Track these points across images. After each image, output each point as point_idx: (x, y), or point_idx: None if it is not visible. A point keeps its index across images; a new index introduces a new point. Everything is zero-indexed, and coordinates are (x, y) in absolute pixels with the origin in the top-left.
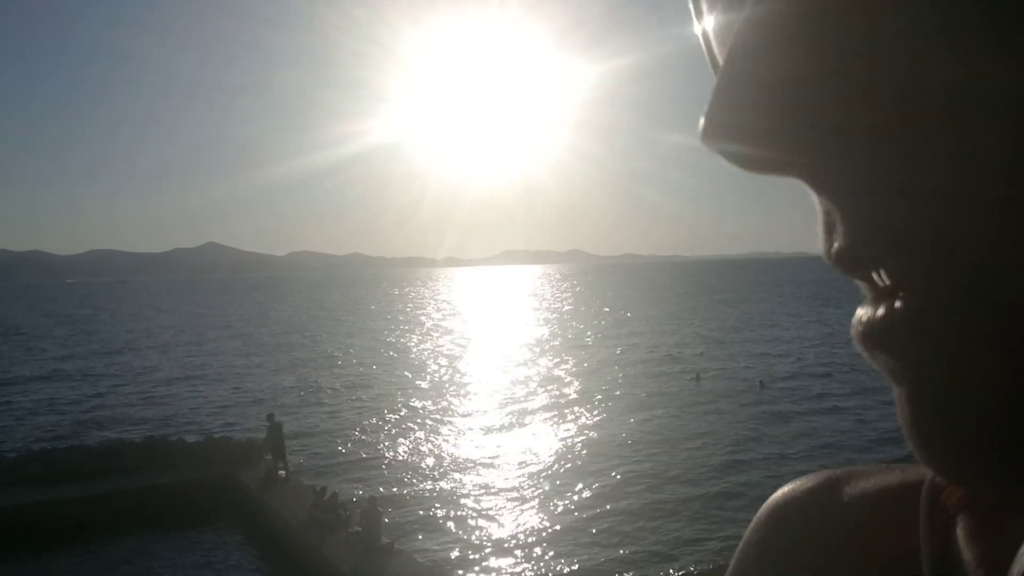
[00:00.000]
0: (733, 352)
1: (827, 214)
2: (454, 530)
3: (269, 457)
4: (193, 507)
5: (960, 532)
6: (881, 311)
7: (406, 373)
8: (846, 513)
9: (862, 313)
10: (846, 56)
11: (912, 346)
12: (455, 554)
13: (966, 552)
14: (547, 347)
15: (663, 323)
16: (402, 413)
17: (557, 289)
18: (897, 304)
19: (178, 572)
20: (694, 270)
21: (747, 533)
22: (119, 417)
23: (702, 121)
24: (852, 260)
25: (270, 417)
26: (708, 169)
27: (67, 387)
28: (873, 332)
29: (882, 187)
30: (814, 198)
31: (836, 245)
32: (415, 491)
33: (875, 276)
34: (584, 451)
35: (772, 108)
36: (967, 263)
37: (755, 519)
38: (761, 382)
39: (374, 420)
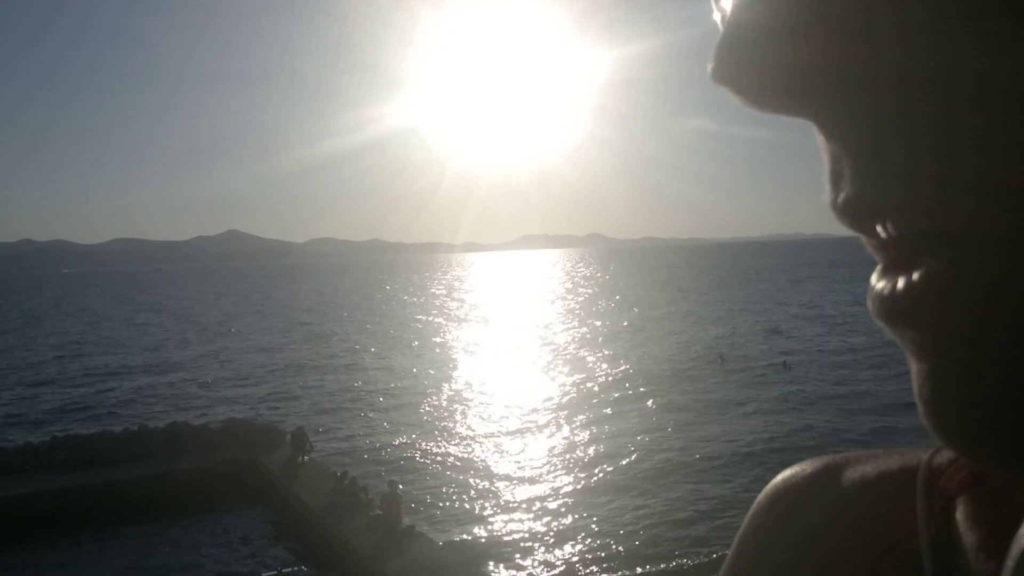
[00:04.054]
0: (757, 332)
1: (835, 160)
2: (475, 514)
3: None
4: (216, 491)
5: (960, 515)
6: (903, 283)
7: (429, 359)
8: (845, 498)
9: (882, 285)
10: (872, 3)
11: (940, 322)
12: (475, 537)
13: (966, 535)
14: (569, 330)
15: (688, 304)
16: (424, 398)
17: (576, 273)
18: (922, 275)
19: (201, 555)
20: (714, 253)
21: (746, 519)
22: (144, 402)
23: (713, 53)
24: (860, 211)
25: (299, 429)
26: (727, 151)
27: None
28: (896, 307)
29: (900, 137)
30: (821, 143)
31: (843, 194)
32: (435, 475)
33: (880, 229)
34: (605, 434)
35: (787, 44)
36: (1003, 232)
37: (754, 505)
38: (784, 362)
39: (395, 404)
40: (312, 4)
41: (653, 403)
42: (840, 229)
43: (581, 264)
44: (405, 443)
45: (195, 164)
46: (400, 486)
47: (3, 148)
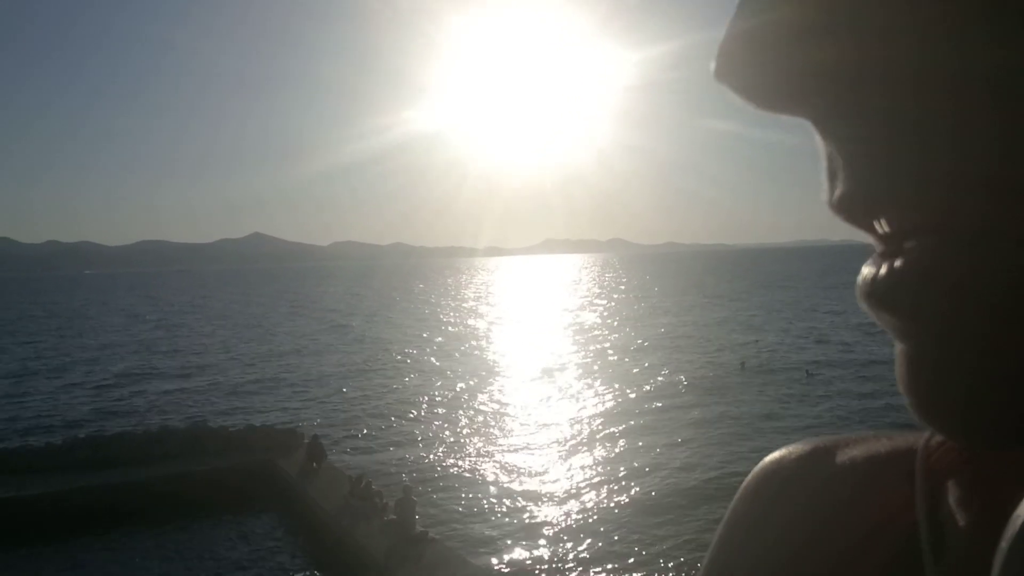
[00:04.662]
0: (781, 339)
1: (830, 159)
2: (490, 521)
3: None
4: (233, 493)
5: (950, 498)
6: (885, 269)
7: (458, 366)
8: (834, 480)
9: (868, 271)
10: (868, 6)
11: (916, 305)
12: (490, 545)
13: (957, 518)
14: (599, 338)
15: (712, 310)
16: (442, 405)
17: (603, 279)
18: (902, 262)
19: (216, 556)
20: (738, 258)
21: (734, 502)
22: (161, 404)
23: (716, 54)
24: (854, 207)
25: (314, 438)
26: (750, 154)
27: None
28: (877, 291)
29: (892, 136)
30: (818, 141)
31: (838, 192)
32: (451, 482)
33: (877, 225)
34: (623, 441)
35: (788, 45)
36: (978, 223)
37: (742, 487)
38: (808, 371)
39: (413, 411)
40: (336, 11)
41: (683, 416)
42: (866, 236)
43: (607, 270)
44: (425, 450)
45: (220, 167)
46: (415, 492)
47: (30, 149)
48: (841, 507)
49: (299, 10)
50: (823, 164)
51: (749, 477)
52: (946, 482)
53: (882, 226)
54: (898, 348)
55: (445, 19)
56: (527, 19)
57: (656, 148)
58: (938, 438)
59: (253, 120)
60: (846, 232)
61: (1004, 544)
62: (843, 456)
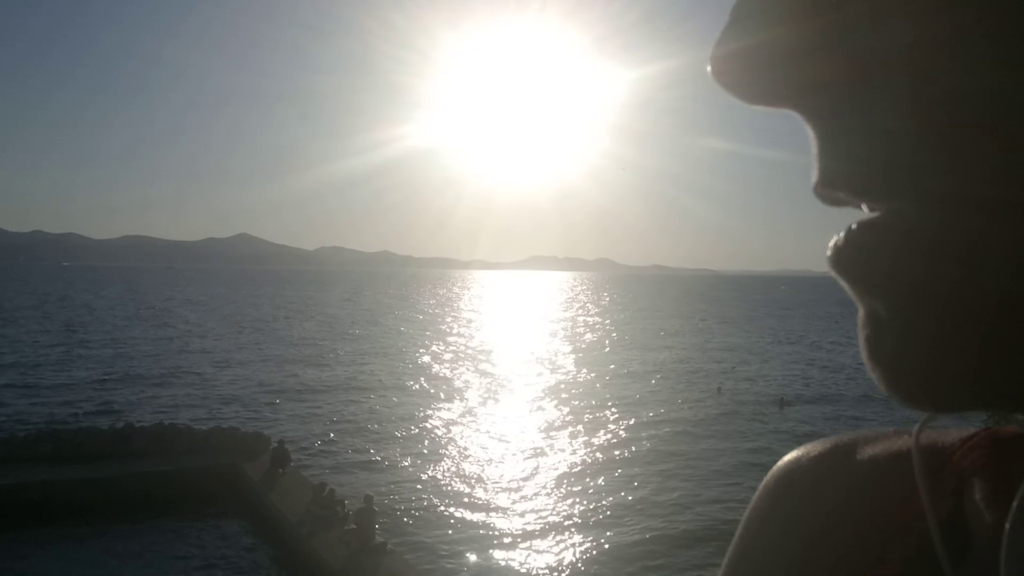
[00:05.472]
0: (759, 368)
1: (815, 145)
2: (451, 534)
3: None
4: (197, 494)
5: (974, 496)
6: (844, 235)
7: (419, 376)
8: (855, 479)
9: (836, 239)
10: (857, 15)
11: (871, 270)
12: (449, 558)
13: (980, 515)
14: (563, 354)
15: (692, 336)
16: (410, 417)
17: (591, 298)
18: (861, 225)
19: (173, 557)
20: (723, 284)
21: (753, 500)
22: (132, 400)
23: (713, 50)
24: (834, 184)
25: (280, 443)
26: (739, 178)
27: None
28: (840, 256)
29: (863, 125)
30: (809, 131)
31: (814, 177)
32: (415, 493)
33: (864, 208)
34: (588, 459)
35: (783, 62)
36: (939, 188)
37: (762, 486)
38: (782, 397)
39: (381, 421)
40: (332, 25)
41: (649, 435)
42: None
43: (595, 289)
44: (391, 460)
45: (211, 170)
46: (378, 502)
47: (22, 138)
48: (860, 507)
49: (294, 26)
50: (813, 150)
51: (768, 477)
52: (969, 479)
53: (863, 208)
54: (860, 315)
55: (441, 36)
56: (523, 37)
57: (649, 166)
58: (962, 435)
59: (245, 132)
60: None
61: (1008, 525)
62: (862, 454)
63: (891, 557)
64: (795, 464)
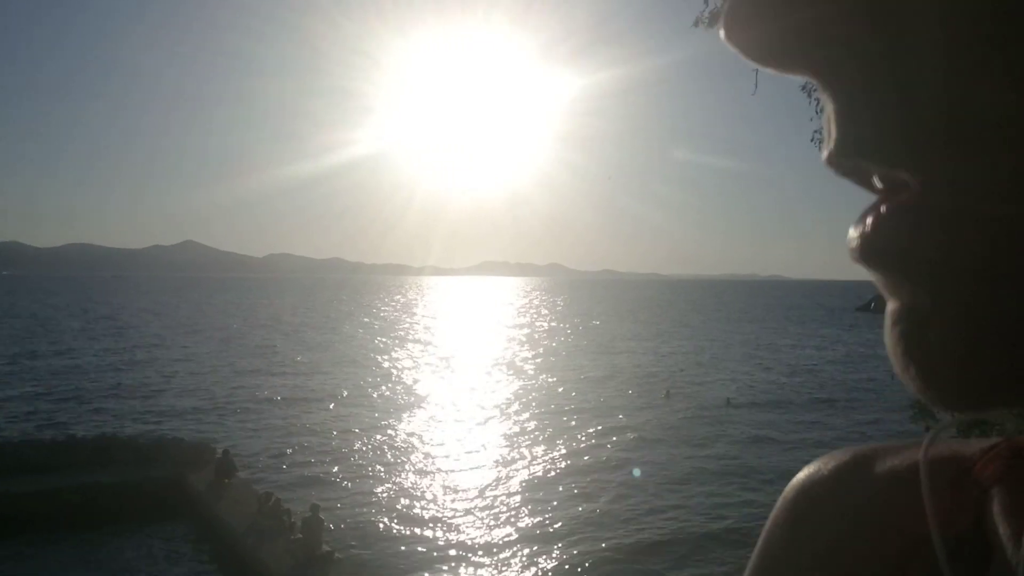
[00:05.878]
0: (708, 371)
1: (831, 114)
2: (399, 543)
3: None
4: (141, 506)
5: (996, 506)
6: (872, 221)
7: (368, 385)
8: (873, 492)
9: (859, 227)
10: None
11: (914, 257)
12: (397, 567)
13: (1002, 526)
14: (521, 360)
15: (643, 340)
16: (360, 427)
17: (543, 303)
18: (894, 212)
19: (120, 570)
20: (672, 289)
21: (773, 513)
22: (75, 411)
23: (723, 14)
24: (845, 154)
25: (225, 452)
26: (690, 185)
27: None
28: (874, 244)
29: (887, 85)
30: (823, 98)
31: (831, 144)
32: (365, 503)
33: (875, 181)
34: (538, 466)
35: (793, 2)
36: (969, 175)
37: (781, 499)
38: (728, 399)
39: (332, 430)
40: (278, 29)
41: (595, 432)
42: (796, 273)
43: (547, 293)
44: (336, 469)
45: (156, 175)
46: (324, 511)
47: None
48: (879, 519)
49: (239, 30)
50: (825, 120)
51: (787, 489)
52: (991, 490)
53: (875, 181)
54: (891, 310)
55: (390, 41)
56: (472, 42)
57: (599, 173)
58: (983, 445)
59: (191, 134)
60: (773, 269)
61: None
62: (882, 466)
63: (911, 571)
64: (813, 478)
